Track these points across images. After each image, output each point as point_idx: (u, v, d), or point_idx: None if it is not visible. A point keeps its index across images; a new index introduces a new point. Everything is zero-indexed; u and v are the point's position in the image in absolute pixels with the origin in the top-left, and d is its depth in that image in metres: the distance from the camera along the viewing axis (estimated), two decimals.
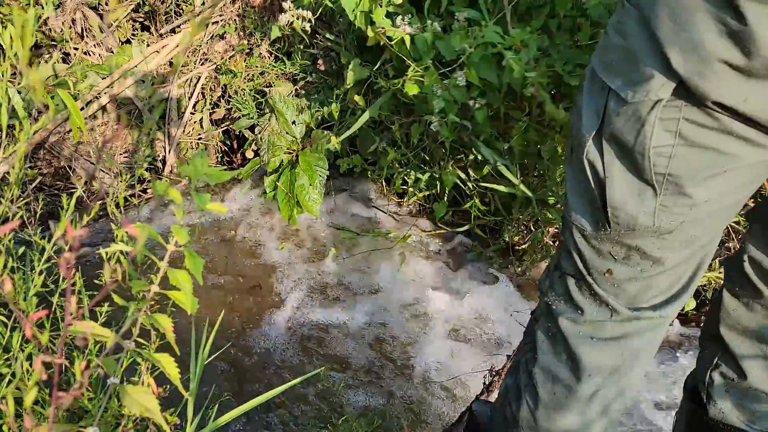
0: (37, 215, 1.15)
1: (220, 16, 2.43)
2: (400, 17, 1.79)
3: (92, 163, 2.23)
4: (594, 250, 0.97)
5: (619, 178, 0.87)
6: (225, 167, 2.48)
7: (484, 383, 1.59)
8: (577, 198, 0.95)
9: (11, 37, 0.91)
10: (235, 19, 2.42)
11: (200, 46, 2.43)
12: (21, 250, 1.09)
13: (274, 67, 2.41)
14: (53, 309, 1.09)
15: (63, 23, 2.28)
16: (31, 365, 0.98)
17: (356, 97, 2.07)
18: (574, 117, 0.93)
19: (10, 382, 1.02)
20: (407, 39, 1.79)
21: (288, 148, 2.25)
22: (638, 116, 0.81)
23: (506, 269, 2.17)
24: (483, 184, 2.02)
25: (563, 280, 1.04)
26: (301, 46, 2.40)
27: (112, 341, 0.58)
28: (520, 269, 2.17)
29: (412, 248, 2.25)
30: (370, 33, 1.87)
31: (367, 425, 1.66)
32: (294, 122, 2.26)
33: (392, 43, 1.82)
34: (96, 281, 1.14)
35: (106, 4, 2.42)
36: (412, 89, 1.80)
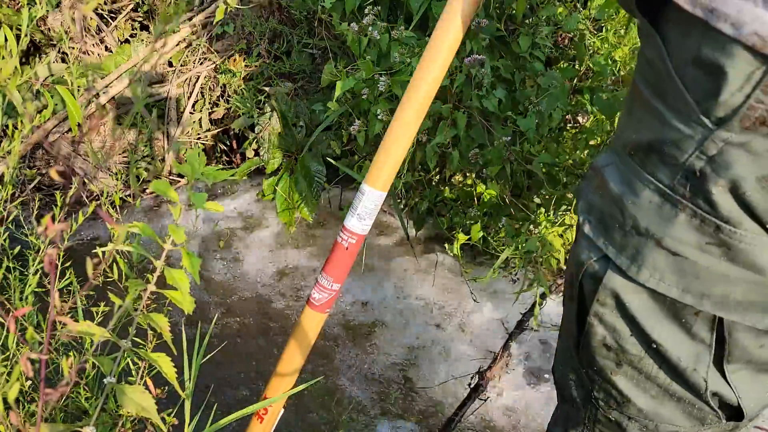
0: (33, 214, 1.14)
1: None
2: (368, 16, 1.78)
3: (91, 163, 2.23)
4: None
5: None
6: (224, 167, 2.47)
7: (469, 385, 1.60)
8: None
9: (6, 37, 0.90)
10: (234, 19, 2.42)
11: (199, 45, 2.43)
12: (17, 249, 1.09)
13: (274, 66, 2.40)
14: (48, 308, 1.08)
15: (62, 23, 2.28)
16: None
17: (330, 103, 2.05)
18: None
19: (6, 381, 1.02)
20: (350, 36, 1.78)
21: (287, 150, 2.25)
22: None
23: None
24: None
25: None
26: (299, 46, 2.40)
27: (98, 338, 0.57)
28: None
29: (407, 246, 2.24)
30: (336, 24, 1.86)
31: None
32: (294, 123, 2.26)
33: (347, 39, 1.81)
34: (93, 281, 1.13)
35: (105, 4, 2.41)
36: (348, 83, 1.79)
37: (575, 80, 1.87)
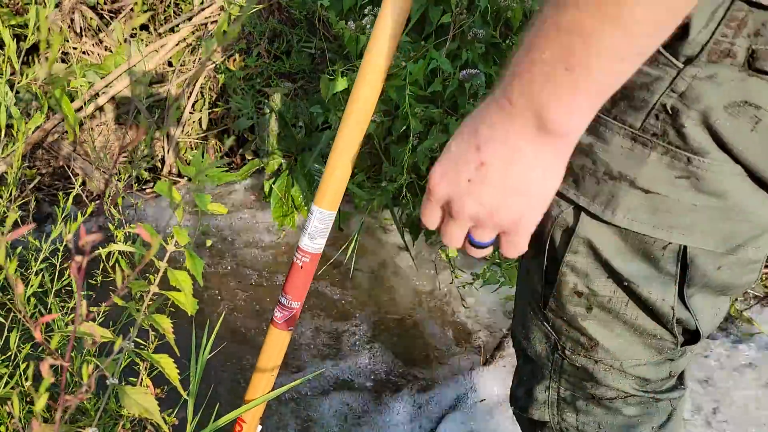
0: (31, 215, 1.14)
1: (219, 15, 2.43)
2: (368, 16, 1.78)
3: (90, 163, 2.23)
4: None
5: None
6: (224, 167, 2.47)
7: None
8: None
9: (11, 37, 0.90)
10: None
11: (199, 45, 2.43)
12: (18, 250, 1.09)
13: (273, 66, 2.40)
14: (48, 309, 1.08)
15: (61, 22, 2.28)
16: (29, 366, 0.98)
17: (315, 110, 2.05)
18: None
19: (7, 383, 1.02)
20: (347, 34, 1.78)
21: (287, 151, 2.25)
22: None
23: None
24: None
25: None
26: (299, 46, 2.40)
27: (119, 345, 0.58)
28: None
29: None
30: (333, 22, 1.86)
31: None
32: (293, 124, 2.26)
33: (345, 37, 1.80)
34: (91, 281, 1.13)
35: (105, 3, 2.41)
36: (341, 84, 1.79)
37: None
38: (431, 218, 0.72)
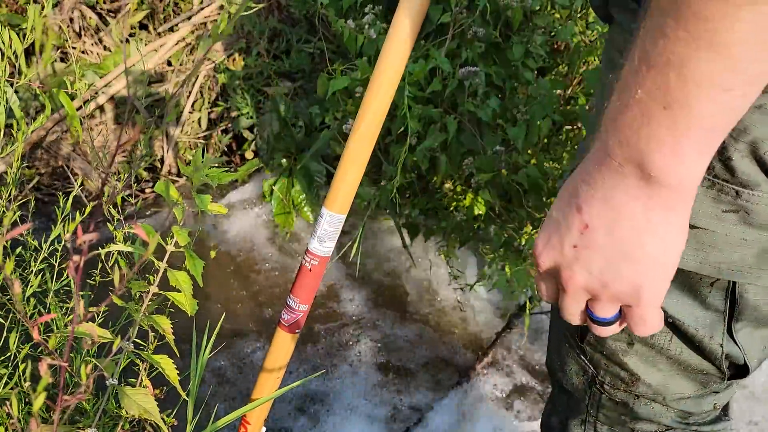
0: (30, 215, 1.14)
1: (218, 14, 2.42)
2: (368, 15, 1.77)
3: (89, 163, 2.22)
4: None
5: None
6: (224, 168, 2.47)
7: None
8: None
9: (10, 37, 0.90)
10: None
11: (198, 45, 2.42)
12: (18, 250, 1.09)
13: (273, 65, 2.40)
14: (47, 308, 1.08)
15: (61, 21, 2.27)
16: (27, 366, 0.98)
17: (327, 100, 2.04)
18: None
19: (6, 383, 1.01)
20: (346, 32, 1.77)
21: (287, 151, 2.25)
22: None
23: None
24: None
25: None
26: (299, 45, 2.39)
27: (117, 345, 0.57)
28: None
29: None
30: (333, 20, 1.85)
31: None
32: (293, 123, 2.25)
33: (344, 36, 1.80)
34: (89, 281, 1.13)
35: (104, 3, 2.41)
36: (340, 83, 1.78)
37: (569, 89, 1.87)
38: (544, 291, 0.65)
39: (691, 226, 0.66)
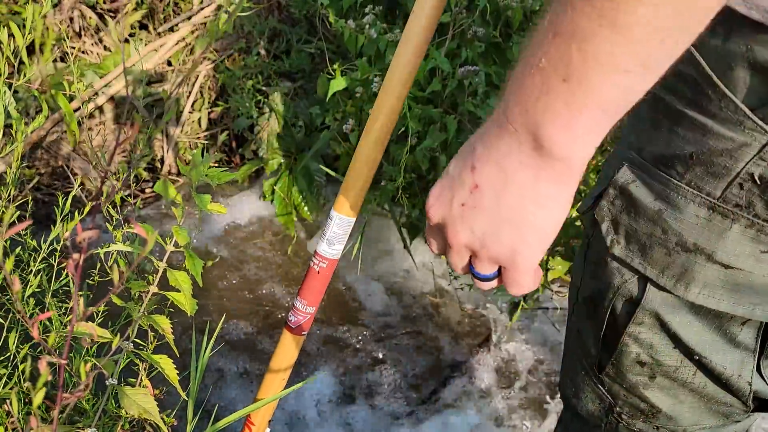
0: (28, 215, 1.14)
1: (218, 14, 2.42)
2: (369, 15, 1.77)
3: (90, 163, 2.22)
4: None
5: None
6: (224, 167, 2.46)
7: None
8: None
9: (11, 36, 0.90)
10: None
11: (198, 45, 2.42)
12: (18, 250, 1.08)
13: (273, 65, 2.40)
14: (46, 308, 1.08)
15: (61, 21, 2.27)
16: (27, 365, 0.97)
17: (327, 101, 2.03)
18: None
19: (6, 383, 1.01)
20: (347, 32, 1.77)
21: (287, 150, 2.25)
22: None
23: None
24: None
25: None
26: (299, 45, 2.39)
27: (116, 344, 0.57)
28: None
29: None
30: (333, 20, 1.85)
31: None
32: (293, 123, 2.25)
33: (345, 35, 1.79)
34: (89, 281, 1.13)
35: (105, 2, 2.41)
36: (339, 83, 1.78)
37: None
38: (432, 242, 0.66)
39: (727, 266, 0.64)
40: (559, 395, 1.77)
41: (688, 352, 0.72)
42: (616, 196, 0.71)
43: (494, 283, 0.64)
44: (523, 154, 0.53)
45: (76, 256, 0.39)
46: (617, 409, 0.82)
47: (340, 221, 0.93)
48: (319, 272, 0.96)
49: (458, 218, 0.59)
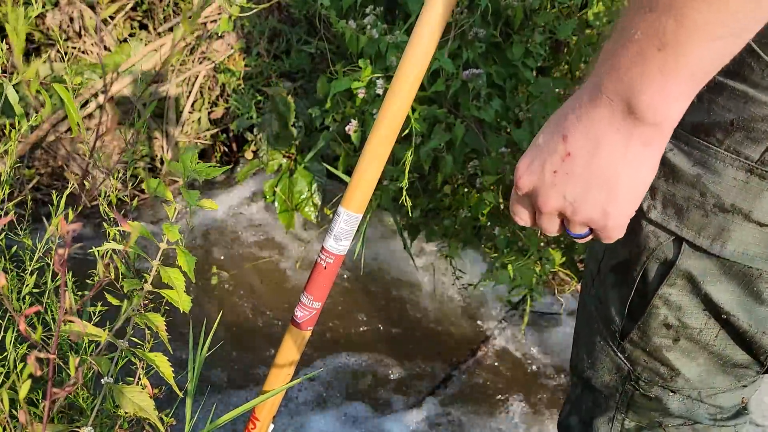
0: (26, 215, 1.14)
1: (219, 14, 2.42)
2: (370, 16, 1.76)
3: (88, 162, 2.22)
4: None
5: None
6: (224, 168, 2.46)
7: None
8: None
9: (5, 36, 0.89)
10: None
11: (198, 44, 2.42)
12: (14, 249, 1.08)
13: (273, 65, 2.40)
14: (44, 308, 1.08)
15: (60, 21, 2.27)
16: (25, 365, 0.97)
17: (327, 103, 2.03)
18: None
19: (3, 382, 1.01)
20: (348, 33, 1.77)
21: (287, 151, 2.24)
22: None
23: None
24: None
25: None
26: (299, 45, 2.39)
27: (105, 340, 0.57)
28: None
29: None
30: (334, 21, 1.85)
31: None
32: (293, 123, 2.25)
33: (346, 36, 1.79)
34: (88, 281, 1.13)
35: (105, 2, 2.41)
36: (343, 84, 1.78)
37: (570, 86, 1.86)
38: (520, 213, 0.70)
39: (763, 225, 0.69)
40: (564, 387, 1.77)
41: (716, 311, 0.75)
42: None
43: (588, 238, 0.69)
44: (615, 121, 0.57)
45: (61, 251, 0.39)
46: (635, 374, 0.85)
47: (348, 217, 0.93)
48: (325, 267, 0.96)
49: (551, 185, 0.63)
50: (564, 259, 1.77)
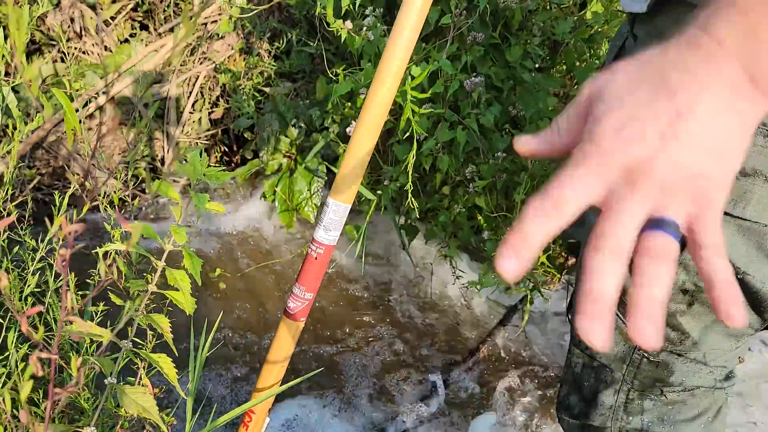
0: (27, 216, 1.14)
1: (219, 14, 2.42)
2: (369, 17, 1.77)
3: (89, 162, 2.22)
4: None
5: None
6: (224, 168, 2.46)
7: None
8: None
9: (5, 35, 0.90)
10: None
11: (199, 45, 2.42)
12: (16, 249, 1.09)
13: (273, 66, 2.40)
14: (46, 308, 1.08)
15: (61, 22, 2.27)
16: (26, 365, 0.97)
17: (328, 105, 2.03)
18: None
19: (5, 383, 1.01)
20: (344, 34, 1.77)
21: (287, 151, 2.25)
22: None
23: None
24: None
25: None
26: (299, 45, 2.39)
27: (107, 340, 0.57)
28: None
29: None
30: (331, 21, 1.85)
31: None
32: (293, 124, 2.25)
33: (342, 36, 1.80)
34: (88, 280, 1.13)
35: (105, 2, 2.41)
36: (344, 87, 1.78)
37: (567, 86, 1.87)
38: (582, 195, 0.49)
39: None
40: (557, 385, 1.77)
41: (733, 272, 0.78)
42: None
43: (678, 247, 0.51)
44: (737, 83, 0.48)
45: (63, 251, 0.39)
46: None
47: (336, 207, 0.95)
48: (316, 258, 0.98)
49: (658, 151, 0.48)
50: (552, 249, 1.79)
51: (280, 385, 1.04)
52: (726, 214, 0.75)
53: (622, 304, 0.84)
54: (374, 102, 0.90)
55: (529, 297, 1.93)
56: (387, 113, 0.91)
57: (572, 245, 1.19)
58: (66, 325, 0.61)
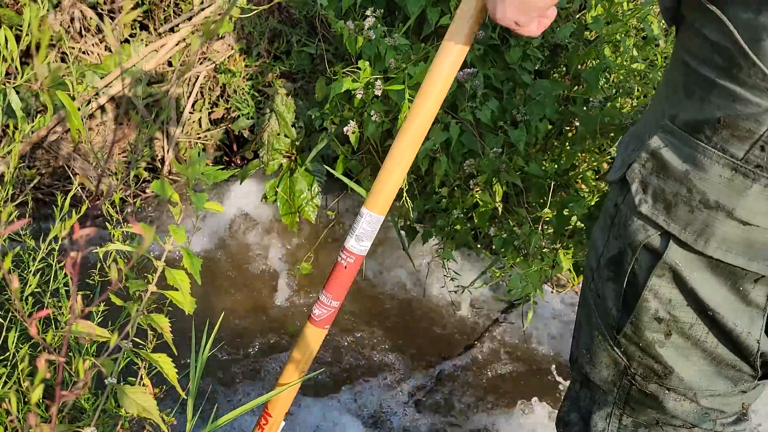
0: (26, 215, 1.14)
1: (219, 15, 2.42)
2: (370, 18, 1.77)
3: (90, 163, 2.23)
4: None
5: None
6: (224, 168, 2.46)
7: None
8: None
9: (6, 37, 0.90)
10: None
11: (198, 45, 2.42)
12: (17, 249, 1.09)
13: (273, 66, 2.40)
14: (45, 308, 1.08)
15: (61, 22, 2.28)
16: (27, 365, 0.98)
17: (326, 107, 2.03)
18: None
19: (5, 383, 1.02)
20: (345, 33, 1.77)
21: (287, 151, 2.25)
22: None
23: None
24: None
25: None
26: (299, 46, 2.39)
27: (114, 342, 0.57)
28: None
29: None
30: (332, 21, 1.85)
31: None
32: (293, 124, 2.25)
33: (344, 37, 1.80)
34: (88, 281, 1.13)
35: (105, 3, 2.41)
36: (344, 85, 1.78)
37: (568, 89, 1.87)
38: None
39: (745, 223, 0.69)
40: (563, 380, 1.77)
41: (702, 308, 0.76)
42: (647, 159, 0.76)
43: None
44: None
45: (73, 254, 0.39)
46: (631, 370, 0.86)
47: (371, 218, 0.94)
48: (346, 267, 0.97)
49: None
50: (573, 261, 1.78)
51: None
52: (692, 249, 0.73)
53: (620, 333, 0.84)
54: (419, 115, 0.89)
55: (531, 298, 1.93)
56: (429, 127, 0.91)
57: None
58: (74, 327, 0.61)
